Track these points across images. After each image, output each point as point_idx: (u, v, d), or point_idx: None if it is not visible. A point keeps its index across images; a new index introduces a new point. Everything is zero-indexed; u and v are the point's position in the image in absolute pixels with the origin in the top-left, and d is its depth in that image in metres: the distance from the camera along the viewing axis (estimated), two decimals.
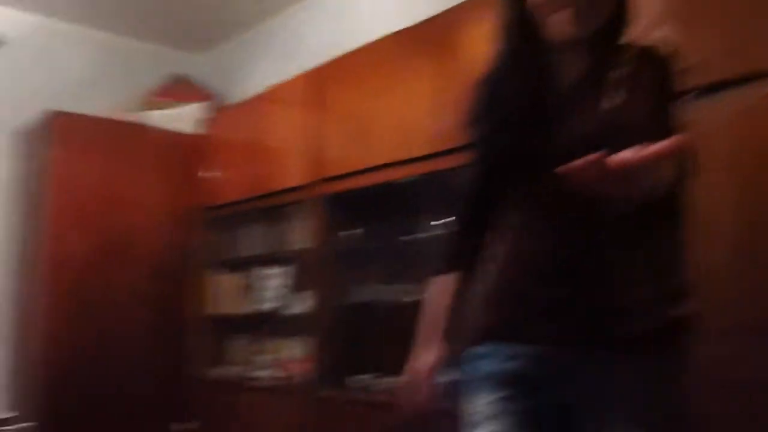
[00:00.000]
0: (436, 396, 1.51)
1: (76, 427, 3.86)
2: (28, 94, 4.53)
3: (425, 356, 1.53)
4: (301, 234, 3.66)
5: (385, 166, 3.10)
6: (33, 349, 4.12)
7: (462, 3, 2.87)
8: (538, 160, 1.34)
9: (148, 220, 4.40)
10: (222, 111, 4.63)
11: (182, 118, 4.70)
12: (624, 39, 1.38)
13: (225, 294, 4.16)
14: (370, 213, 3.35)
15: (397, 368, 2.91)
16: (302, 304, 3.56)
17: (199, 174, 4.35)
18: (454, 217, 1.56)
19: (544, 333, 1.32)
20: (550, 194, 1.32)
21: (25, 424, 1.27)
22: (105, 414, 3.99)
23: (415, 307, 2.71)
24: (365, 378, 3.15)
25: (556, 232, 1.35)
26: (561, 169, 1.06)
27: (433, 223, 3.01)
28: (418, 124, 2.97)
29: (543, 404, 1.34)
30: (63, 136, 4.19)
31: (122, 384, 4.16)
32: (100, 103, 4.53)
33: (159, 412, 4.22)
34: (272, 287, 3.86)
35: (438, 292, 1.54)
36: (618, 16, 1.38)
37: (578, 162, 1.04)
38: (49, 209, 4.13)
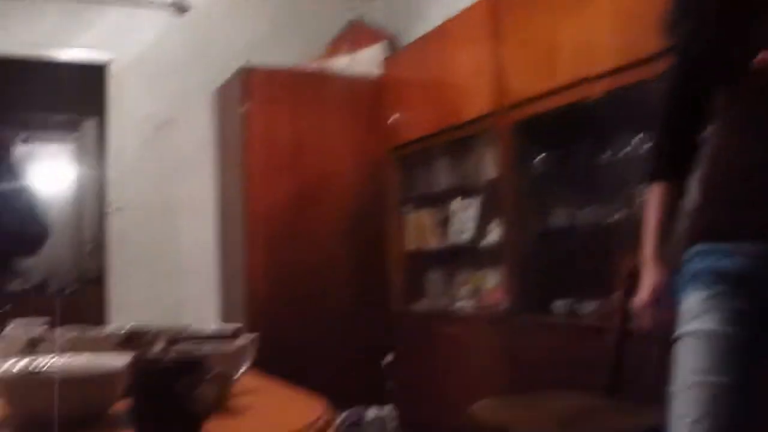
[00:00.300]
0: (663, 313, 1.48)
1: (283, 367, 4.15)
2: (219, 55, 4.84)
3: (651, 272, 1.51)
4: (490, 164, 3.65)
5: (572, 86, 3.00)
6: (238, 293, 4.49)
7: None
8: (739, 57, 1.27)
9: (340, 165, 4.59)
10: (401, 51, 4.67)
11: (363, 62, 4.80)
12: None
13: (421, 229, 4.25)
14: (560, 136, 3.26)
15: (600, 291, 2.88)
16: (496, 234, 3.57)
17: (384, 115, 4.43)
18: (657, 126, 1.51)
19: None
20: (757, 90, 1.27)
21: (250, 334, 1.39)
22: (312, 353, 4.25)
23: (617, 228, 2.63)
24: (567, 303, 3.12)
25: None
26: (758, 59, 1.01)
27: (630, 139, 2.89)
28: (602, 40, 2.84)
29: (756, 304, 1.29)
30: (255, 90, 4.45)
31: (328, 322, 4.42)
32: (285, 55, 4.76)
33: (367, 348, 4.45)
34: (465, 219, 3.89)
35: (655, 204, 1.51)
36: None
37: None
38: (246, 161, 4.43)
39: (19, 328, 1.86)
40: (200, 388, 1.00)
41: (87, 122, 6.22)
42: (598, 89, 2.88)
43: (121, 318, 4.66)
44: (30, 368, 1.20)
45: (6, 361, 1.23)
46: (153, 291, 4.68)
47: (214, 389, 1.02)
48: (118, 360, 1.17)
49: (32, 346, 1.55)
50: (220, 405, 1.06)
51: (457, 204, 4.01)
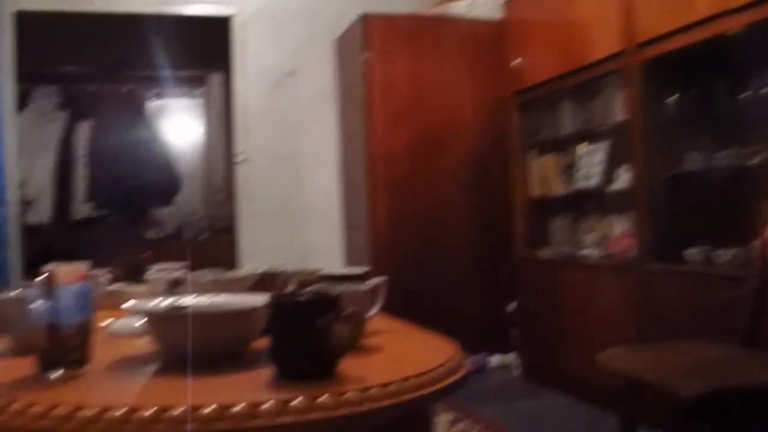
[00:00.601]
0: None
1: (406, 312, 4.20)
2: (339, 3, 4.86)
3: None
4: (618, 106, 3.50)
5: (709, 20, 2.81)
6: (362, 240, 4.57)
7: None
8: None
9: (461, 111, 4.55)
10: None
11: (483, 5, 4.69)
12: None
13: (545, 175, 4.16)
14: (695, 75, 3.08)
15: (738, 238, 2.73)
16: (625, 179, 3.44)
17: (506, 59, 4.33)
18: None
19: None
20: None
21: (379, 278, 1.41)
22: (435, 300, 4.28)
23: (758, 171, 2.46)
24: (701, 251, 2.98)
25: None
26: None
27: None
28: None
29: None
30: (375, 37, 4.45)
31: (450, 269, 4.44)
32: (404, 1, 4.73)
33: (490, 295, 4.45)
34: (592, 164, 3.77)
35: None
36: None
37: None
38: (368, 109, 4.46)
39: (160, 271, 1.96)
40: (336, 326, 1.01)
41: (213, 76, 6.43)
42: (738, 22, 2.69)
43: (250, 263, 4.85)
44: (175, 306, 1.26)
45: (152, 301, 1.29)
46: (280, 238, 4.83)
47: (350, 328, 1.03)
48: (256, 299, 1.21)
49: (173, 287, 1.63)
50: (355, 343, 1.07)
51: (583, 149, 3.89)
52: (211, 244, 6.03)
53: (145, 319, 1.20)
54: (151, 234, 6.26)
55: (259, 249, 4.85)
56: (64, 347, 1.04)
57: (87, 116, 6.08)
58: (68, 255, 4.96)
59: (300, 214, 4.93)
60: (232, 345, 1.17)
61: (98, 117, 6.07)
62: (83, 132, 6.04)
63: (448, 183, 4.48)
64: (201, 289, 1.64)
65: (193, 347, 1.12)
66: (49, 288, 1.04)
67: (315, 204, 4.95)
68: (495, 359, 4.36)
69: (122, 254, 5.76)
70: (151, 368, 1.15)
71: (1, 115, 4.46)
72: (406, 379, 1.01)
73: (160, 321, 1.17)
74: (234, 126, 5.01)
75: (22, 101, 5.46)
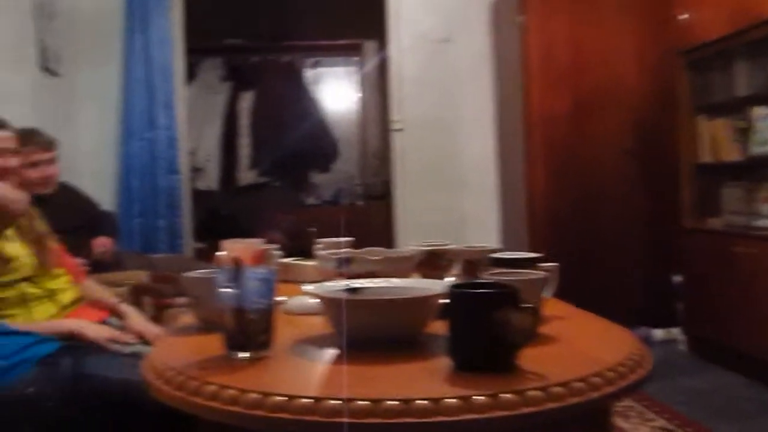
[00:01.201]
0: None
1: (566, 281, 4.11)
2: None
3: None
4: None
5: None
6: (518, 204, 4.49)
7: None
8: None
9: (622, 70, 4.35)
10: None
11: None
12: None
13: (716, 139, 3.90)
14: None
15: None
16: None
17: (671, 15, 4.07)
18: None
19: None
20: None
21: (552, 264, 1.37)
22: (595, 269, 4.15)
23: None
24: None
25: None
26: None
27: None
28: None
29: None
30: (531, 0, 4.32)
31: (611, 238, 4.28)
32: None
33: (655, 266, 4.26)
34: None
35: None
36: None
37: None
38: (525, 73, 4.35)
39: (329, 248, 2.00)
40: (516, 319, 0.99)
41: (368, 44, 6.49)
42: None
43: (405, 231, 4.91)
44: (351, 289, 1.28)
45: (328, 283, 1.32)
46: (435, 205, 4.85)
47: (529, 320, 1.01)
48: (434, 285, 1.21)
49: (343, 265, 1.66)
50: (533, 336, 1.05)
51: (759, 112, 3.61)
52: (367, 211, 6.14)
53: (320, 299, 1.23)
54: (310, 200, 6.46)
55: (415, 215, 4.89)
56: (250, 330, 1.08)
57: (249, 87, 6.32)
58: (234, 219, 5.24)
59: (455, 180, 4.91)
60: (409, 330, 1.18)
61: (260, 87, 6.29)
62: (246, 102, 6.28)
63: (610, 148, 4.30)
64: (369, 266, 1.67)
65: (370, 332, 1.14)
66: (237, 273, 1.09)
67: (470, 171, 4.91)
68: (658, 333, 4.18)
69: (283, 220, 6.03)
70: (330, 352, 1.17)
71: (174, 89, 4.71)
72: (589, 376, 0.98)
73: (335, 305, 1.19)
74: (389, 93, 5.04)
75: (190, 74, 5.74)
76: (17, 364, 1.76)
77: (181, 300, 3.12)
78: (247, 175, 6.22)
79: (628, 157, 4.29)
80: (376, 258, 1.66)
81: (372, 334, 1.14)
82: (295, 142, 6.06)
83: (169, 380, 1.03)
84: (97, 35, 4.71)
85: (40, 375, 1.75)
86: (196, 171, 5.87)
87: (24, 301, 2.15)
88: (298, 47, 6.49)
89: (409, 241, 4.89)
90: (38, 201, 2.46)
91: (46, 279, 2.25)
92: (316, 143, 6.18)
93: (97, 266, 3.14)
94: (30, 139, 2.81)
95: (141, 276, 3.20)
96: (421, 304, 1.17)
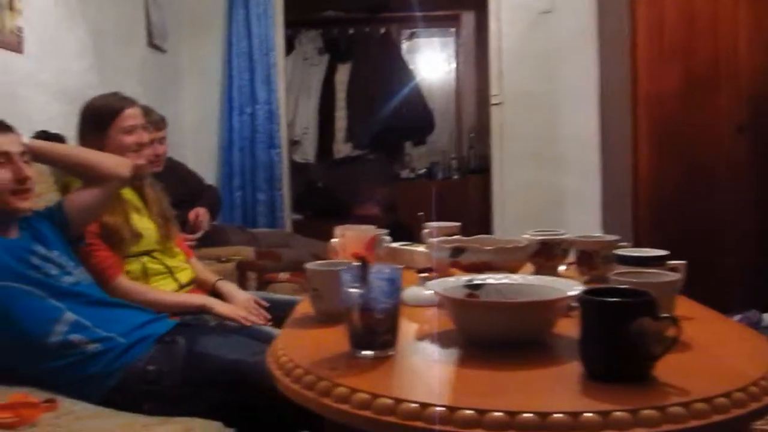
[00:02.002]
0: None
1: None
2: None
3: None
4: None
5: None
6: (621, 184, 4.34)
7: None
8: None
9: (738, 45, 4.12)
10: None
11: None
12: None
13: None
14: None
15: None
16: None
17: None
18: None
19: None
20: None
21: (679, 262, 1.32)
22: (704, 250, 3.99)
23: None
24: None
25: None
26: None
27: None
28: None
29: None
30: None
31: (723, 219, 4.10)
32: None
33: (766, 248, 4.07)
34: None
35: None
36: None
37: None
38: (632, 46, 4.17)
39: (437, 233, 1.98)
40: (653, 329, 0.95)
41: (465, 16, 6.38)
42: None
43: (503, 207, 4.84)
44: (471, 286, 1.26)
45: (449, 279, 1.30)
46: (534, 181, 4.76)
47: (669, 329, 0.96)
48: (564, 286, 1.17)
49: (456, 255, 1.64)
50: (671, 347, 1.00)
51: None
52: (462, 185, 6.09)
53: (443, 299, 1.21)
54: (405, 173, 6.45)
55: (512, 191, 4.82)
56: (375, 330, 1.08)
57: (346, 59, 6.32)
58: (330, 192, 5.27)
59: (555, 157, 4.79)
60: (536, 333, 1.15)
61: (356, 59, 6.28)
62: (343, 74, 6.29)
63: (722, 126, 4.10)
64: (482, 256, 1.64)
65: (495, 334, 1.12)
66: (364, 274, 1.08)
67: (571, 148, 4.78)
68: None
69: (378, 193, 6.03)
70: (455, 353, 1.15)
71: (274, 63, 4.76)
72: (733, 391, 0.93)
73: (458, 305, 1.17)
74: (488, 66, 4.94)
75: (288, 47, 5.78)
76: (136, 342, 1.82)
77: (284, 276, 3.19)
78: (342, 148, 6.25)
79: (742, 135, 4.08)
80: (489, 248, 1.63)
81: (497, 335, 1.12)
82: (390, 115, 6.04)
83: (298, 379, 1.03)
84: (201, 11, 4.80)
85: (158, 353, 1.81)
86: (293, 144, 5.93)
87: (145, 275, 2.24)
88: (395, 18, 6.44)
89: (506, 217, 4.84)
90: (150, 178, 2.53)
91: (166, 255, 2.33)
92: (411, 116, 6.14)
93: (205, 241, 3.22)
94: (145, 117, 2.88)
95: (246, 251, 3.26)
96: (549, 306, 1.14)
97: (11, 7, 2.69)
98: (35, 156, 1.91)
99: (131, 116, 2.29)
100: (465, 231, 2.20)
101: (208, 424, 1.64)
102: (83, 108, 2.32)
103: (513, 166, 4.83)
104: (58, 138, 2.41)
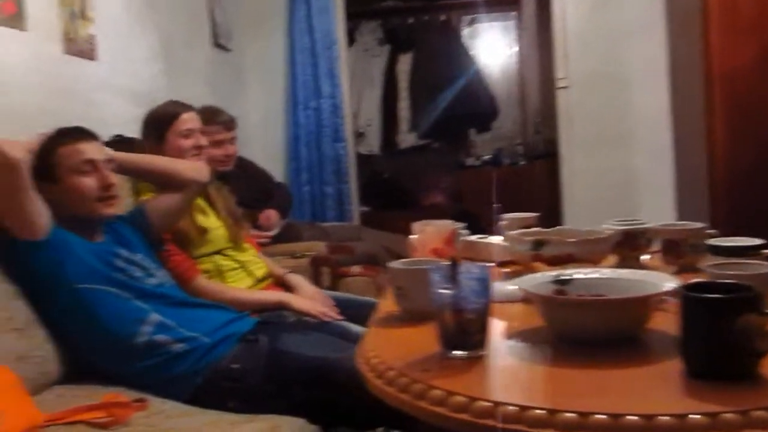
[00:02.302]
0: None
1: None
2: None
3: None
4: None
5: None
6: (695, 165, 4.20)
7: None
8: None
9: None
10: None
11: None
12: None
13: None
14: None
15: None
16: None
17: None
18: None
19: None
20: None
21: None
22: None
23: None
24: None
25: None
26: None
27: None
28: None
29: None
30: None
31: None
32: None
33: None
34: None
35: None
36: None
37: None
38: (705, 22, 4.03)
39: (514, 224, 1.96)
40: (762, 324, 0.92)
41: None
42: None
43: (572, 192, 4.76)
44: (559, 281, 1.23)
45: (535, 275, 1.28)
46: (604, 165, 4.67)
47: None
48: (657, 279, 1.14)
49: (537, 248, 1.61)
50: None
51: None
52: (529, 171, 6.01)
53: (532, 297, 1.19)
54: (470, 161, 6.41)
55: (582, 176, 4.74)
56: (467, 330, 1.07)
57: (407, 49, 6.30)
58: (395, 182, 5.27)
59: (625, 139, 4.68)
60: (631, 329, 1.12)
61: (417, 48, 6.25)
62: (404, 64, 6.27)
63: None
64: (564, 248, 1.61)
65: (589, 332, 1.10)
66: (454, 274, 1.07)
67: (642, 129, 4.66)
68: None
69: (444, 182, 6.01)
70: (546, 351, 1.14)
71: (337, 56, 4.77)
72: None
73: (547, 302, 1.15)
74: (552, 48, 4.85)
75: (350, 39, 5.79)
76: (220, 340, 1.86)
77: (356, 269, 3.20)
78: (406, 138, 6.24)
79: None
80: (572, 240, 1.60)
81: (590, 333, 1.09)
82: (453, 103, 6.00)
83: (391, 381, 1.03)
84: (263, 9, 4.84)
85: (242, 352, 1.84)
86: (358, 136, 5.95)
87: (220, 272, 2.28)
88: (455, 5, 6.39)
89: (575, 201, 4.75)
90: (220, 178, 2.58)
91: (237, 252, 2.36)
92: (474, 103, 6.08)
93: (278, 237, 3.26)
94: (213, 117, 2.92)
95: (319, 246, 3.29)
96: (645, 302, 1.11)
97: (84, 16, 2.75)
98: (120, 167, 1.96)
99: (187, 120, 2.35)
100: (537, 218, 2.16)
101: (292, 421, 1.66)
102: (144, 117, 2.40)
103: (581, 150, 4.74)
104: (132, 141, 2.46)
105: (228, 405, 1.73)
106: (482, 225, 2.20)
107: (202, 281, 2.18)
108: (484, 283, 1.08)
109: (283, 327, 2.01)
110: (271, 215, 3.39)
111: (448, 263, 1.09)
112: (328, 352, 1.85)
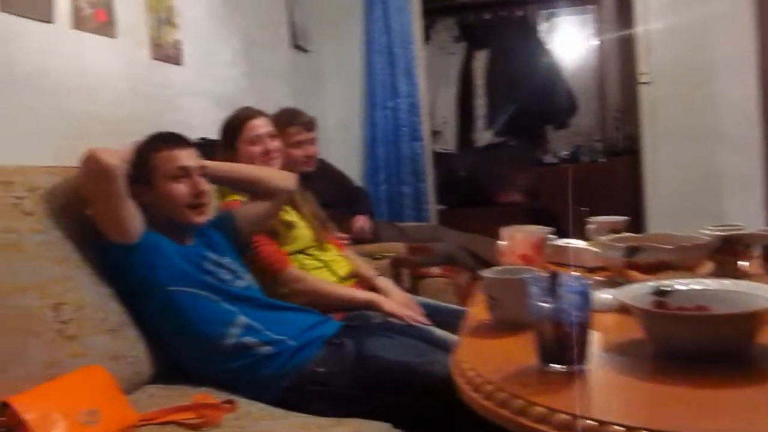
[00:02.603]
0: None
1: None
2: None
3: None
4: None
5: None
6: None
7: None
8: None
9: None
10: None
11: None
12: None
13: None
14: None
15: None
16: None
17: None
18: None
19: None
20: None
21: None
22: None
23: None
24: None
25: None
26: None
27: None
28: None
29: None
30: None
31: None
32: None
33: None
34: None
35: None
36: None
37: None
38: None
39: (603, 229, 1.91)
40: None
41: None
42: None
43: (655, 189, 4.64)
44: (659, 292, 1.19)
45: (633, 286, 1.24)
46: (689, 161, 4.53)
47: None
48: (765, 292, 1.09)
49: (631, 254, 1.57)
50: None
51: None
52: (609, 168, 5.86)
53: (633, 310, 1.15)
54: (548, 158, 6.30)
55: (665, 173, 4.60)
56: (567, 344, 1.04)
57: (483, 46, 6.23)
58: (472, 180, 5.21)
59: (710, 133, 4.51)
60: (739, 345, 1.07)
61: (494, 45, 6.18)
62: (480, 61, 6.21)
63: None
64: (659, 255, 1.56)
65: (694, 347, 1.05)
66: (554, 287, 1.04)
67: (729, 124, 4.48)
68: None
69: (521, 179, 5.93)
70: (648, 366, 1.10)
71: (413, 55, 4.76)
72: None
73: (649, 315, 1.11)
74: (633, 42, 4.72)
75: (425, 37, 5.76)
76: (306, 344, 1.87)
77: (436, 270, 3.18)
78: (483, 136, 6.17)
79: None
80: (668, 247, 1.55)
81: (695, 349, 1.05)
82: (530, 99, 5.90)
83: (489, 395, 1.01)
84: (340, 9, 4.87)
85: (328, 355, 1.85)
86: (434, 134, 5.91)
87: (304, 271, 2.30)
88: (531, 1, 6.28)
89: (658, 199, 4.62)
90: (302, 178, 2.60)
91: (320, 252, 2.39)
92: (552, 99, 5.97)
93: (356, 239, 3.27)
94: (293, 119, 2.95)
95: (398, 247, 3.28)
96: (756, 318, 1.06)
97: (170, 23, 2.82)
98: (211, 177, 2.00)
99: (256, 126, 2.39)
100: (618, 215, 2.12)
101: (378, 425, 1.66)
102: (222, 125, 2.44)
103: (665, 146, 4.61)
104: (214, 144, 2.51)
105: (314, 408, 1.74)
106: (560, 223, 2.15)
107: (294, 270, 2.21)
108: (586, 297, 1.06)
109: (368, 330, 2.01)
110: (364, 222, 3.40)
111: (547, 275, 1.06)
112: (413, 357, 1.84)
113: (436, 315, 2.21)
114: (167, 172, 1.86)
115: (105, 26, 2.37)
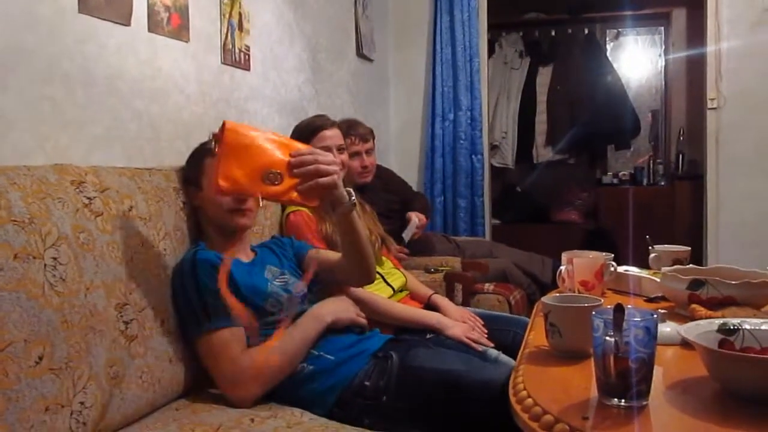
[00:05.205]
0: None
1: None
2: None
3: None
4: None
5: None
6: None
7: None
8: None
9: None
10: None
11: None
12: None
13: None
14: None
15: None
16: None
17: None
18: None
19: None
20: None
21: None
22: None
23: None
24: None
25: None
26: None
27: None
28: None
29: None
30: None
31: None
32: None
33: None
34: None
35: None
36: None
37: None
38: None
39: (666, 258, 1.88)
40: None
41: (677, 12, 6.03)
42: None
43: (717, 217, 4.54)
44: (726, 330, 1.17)
45: (699, 323, 1.22)
46: (755, 189, 4.42)
47: None
48: None
49: (695, 288, 1.54)
50: None
51: None
52: (669, 192, 5.75)
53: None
54: (607, 178, 6.21)
55: (729, 200, 4.50)
56: (629, 379, 1.03)
57: (547, 61, 6.18)
58: (528, 197, 5.15)
59: None
60: None
61: (558, 61, 6.12)
62: (544, 77, 6.16)
63: None
64: (725, 290, 1.53)
65: (757, 390, 1.03)
66: (619, 322, 1.03)
67: None
68: None
69: (579, 198, 5.83)
70: (712, 405, 1.07)
71: (477, 68, 4.75)
72: None
73: (718, 360, 1.08)
74: (702, 66, 4.63)
75: (489, 49, 5.74)
76: (348, 358, 1.84)
77: (489, 287, 3.16)
78: (543, 152, 6.11)
79: None
80: (734, 282, 1.51)
81: (758, 390, 1.02)
82: (593, 117, 5.82)
83: (548, 426, 1.00)
84: (407, 20, 4.89)
85: (374, 369, 1.83)
86: (492, 148, 5.88)
87: (368, 291, 2.30)
88: (599, 18, 6.21)
89: (720, 228, 4.52)
90: (359, 189, 2.61)
91: (377, 266, 2.39)
92: (615, 118, 5.88)
93: (412, 249, 3.26)
94: (350, 130, 2.97)
95: (453, 262, 3.27)
96: None
97: (241, 28, 2.86)
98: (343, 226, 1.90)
99: (327, 137, 2.42)
100: (677, 242, 2.08)
101: None
102: (294, 128, 2.47)
103: (730, 174, 4.51)
104: None
105: (364, 422, 1.72)
106: (618, 246, 2.12)
107: (358, 291, 2.19)
108: (651, 332, 1.04)
109: (414, 343, 1.99)
110: (421, 217, 3.36)
111: (612, 308, 1.05)
112: (458, 365, 1.81)
113: (492, 323, 2.21)
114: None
115: (178, 30, 2.42)
